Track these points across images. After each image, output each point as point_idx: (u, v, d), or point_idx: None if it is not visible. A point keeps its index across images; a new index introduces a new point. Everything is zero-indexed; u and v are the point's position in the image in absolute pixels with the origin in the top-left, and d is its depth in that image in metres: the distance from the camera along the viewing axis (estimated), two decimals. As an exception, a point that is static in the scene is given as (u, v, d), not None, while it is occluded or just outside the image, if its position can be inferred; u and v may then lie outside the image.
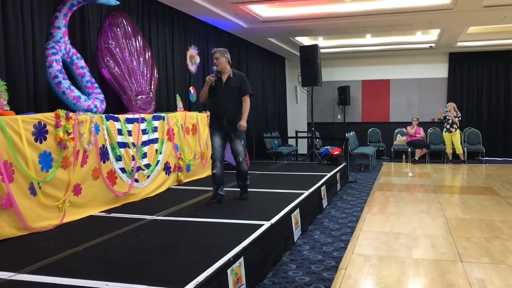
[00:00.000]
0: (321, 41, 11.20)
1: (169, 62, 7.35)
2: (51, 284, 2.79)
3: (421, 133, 11.83)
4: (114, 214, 4.70)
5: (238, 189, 5.46)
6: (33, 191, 3.97)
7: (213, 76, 5.16)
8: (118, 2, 5.40)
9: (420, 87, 13.13)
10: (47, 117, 4.15)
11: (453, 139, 11.30)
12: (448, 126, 11.29)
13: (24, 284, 2.82)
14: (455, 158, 11.41)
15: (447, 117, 11.26)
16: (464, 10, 7.84)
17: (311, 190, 5.84)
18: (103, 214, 4.70)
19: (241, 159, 5.28)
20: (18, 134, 3.82)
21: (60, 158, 4.25)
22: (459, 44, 11.46)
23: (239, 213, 4.60)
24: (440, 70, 13.00)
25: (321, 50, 10.79)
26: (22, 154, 3.85)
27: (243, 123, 5.16)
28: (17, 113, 4.03)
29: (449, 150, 11.45)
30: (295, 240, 4.72)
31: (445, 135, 11.43)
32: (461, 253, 4.27)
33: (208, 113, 7.39)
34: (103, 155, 4.87)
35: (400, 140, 12.31)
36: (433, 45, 11.60)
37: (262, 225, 4.05)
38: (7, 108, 3.96)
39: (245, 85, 5.23)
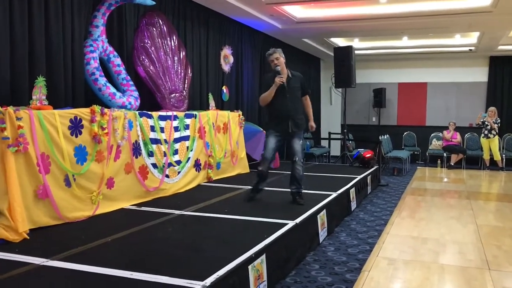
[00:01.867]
0: (356, 43, 11.11)
1: (203, 61, 7.49)
2: (80, 271, 2.92)
3: (458, 138, 11.58)
4: (144, 207, 4.84)
5: (291, 194, 5.20)
6: (68, 183, 4.14)
7: (281, 77, 5.00)
8: (154, 2, 5.56)
9: (459, 91, 12.82)
10: (83, 112, 4.32)
11: (491, 145, 10.99)
12: (486, 132, 10.99)
13: (55, 270, 2.97)
14: (493, 165, 11.09)
15: (486, 123, 10.96)
16: (505, 12, 7.62)
17: (339, 192, 5.83)
18: (134, 207, 4.85)
19: (297, 159, 5.08)
20: (55, 128, 4.00)
21: (95, 152, 4.41)
22: (500, 47, 11.13)
23: (265, 212, 4.65)
24: (479, 74, 12.65)
25: (357, 52, 10.72)
26: (58, 147, 4.03)
27: (313, 123, 5.36)
28: (55, 108, 4.21)
29: (486, 156, 11.14)
30: (320, 241, 4.73)
31: (483, 140, 11.13)
32: (490, 260, 4.19)
33: (240, 112, 7.51)
34: (136, 151, 5.02)
35: (435, 144, 12.07)
36: (472, 48, 11.30)
37: (287, 224, 4.09)
38: (46, 102, 4.15)
39: (305, 85, 5.28)
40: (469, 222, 5.71)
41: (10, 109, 3.64)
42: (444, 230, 5.29)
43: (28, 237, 3.61)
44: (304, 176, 5.20)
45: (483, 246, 4.65)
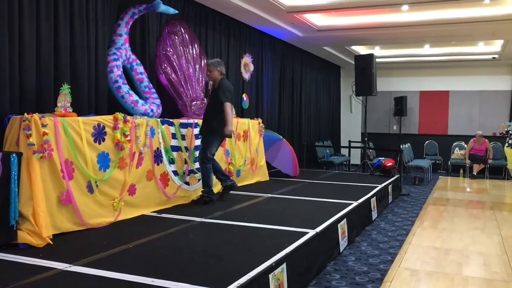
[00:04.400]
0: (377, 51, 11.05)
1: (223, 69, 7.53)
2: (102, 277, 2.95)
3: (488, 147, 11.29)
4: (164, 214, 4.86)
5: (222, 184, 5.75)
6: (90, 189, 4.20)
7: None
8: (177, 11, 5.62)
9: (482, 100, 12.63)
10: (106, 119, 4.38)
11: (516, 155, 10.73)
12: (510, 141, 10.73)
13: (77, 275, 3.01)
14: (518, 175, 10.86)
15: (510, 132, 10.72)
16: (530, 20, 7.51)
17: (360, 201, 5.78)
18: (155, 214, 4.88)
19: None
20: (78, 135, 4.07)
21: (117, 158, 4.47)
22: (525, 55, 10.95)
23: (285, 220, 4.63)
24: (503, 83, 12.44)
25: (378, 60, 10.65)
26: (82, 154, 4.09)
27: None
28: (79, 115, 4.28)
29: (510, 166, 10.88)
30: (340, 250, 4.69)
31: (507, 150, 10.85)
32: (516, 273, 4.09)
33: (260, 120, 7.53)
34: (157, 158, 5.06)
35: (458, 154, 11.87)
36: (496, 56, 11.14)
37: (307, 233, 4.06)
38: (70, 109, 4.21)
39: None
40: (493, 233, 5.59)
41: (36, 116, 3.72)
42: (468, 241, 5.19)
43: (52, 242, 3.66)
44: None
45: (508, 258, 4.55)
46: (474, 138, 11.45)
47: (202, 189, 5.50)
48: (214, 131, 5.39)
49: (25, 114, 3.72)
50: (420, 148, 12.71)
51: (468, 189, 9.67)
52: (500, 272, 4.14)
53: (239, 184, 6.70)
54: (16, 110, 4.14)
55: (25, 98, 4.27)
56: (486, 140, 11.38)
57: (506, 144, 10.85)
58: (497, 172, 11.48)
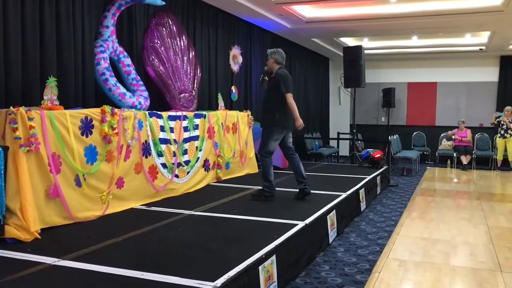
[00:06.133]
0: (366, 42, 11.07)
1: (212, 61, 7.50)
2: (91, 271, 2.94)
3: (468, 135, 11.37)
4: (154, 207, 4.85)
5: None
6: (78, 183, 4.16)
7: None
8: (164, 3, 5.57)
9: (469, 91, 12.73)
10: (93, 112, 4.34)
11: (508, 146, 10.73)
12: (502, 132, 10.80)
13: (66, 269, 2.99)
14: (503, 165, 10.96)
15: (502, 122, 10.79)
16: (517, 12, 7.55)
17: (349, 192, 5.81)
18: (144, 207, 4.86)
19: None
20: (66, 128, 4.02)
21: (105, 152, 4.43)
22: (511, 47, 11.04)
23: (274, 212, 4.64)
24: (490, 74, 12.55)
25: (366, 51, 10.67)
26: (69, 147, 4.05)
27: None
28: (66, 108, 4.23)
29: (500, 157, 10.92)
30: (330, 242, 4.72)
31: (499, 140, 10.91)
32: (502, 263, 4.15)
33: (249, 112, 7.51)
34: (145, 151, 5.03)
35: (445, 145, 11.97)
36: (483, 47, 11.21)
37: (297, 224, 4.08)
38: (57, 102, 4.17)
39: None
40: (480, 223, 5.66)
41: (22, 109, 3.67)
42: (455, 231, 5.25)
43: (40, 237, 3.63)
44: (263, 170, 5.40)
45: (494, 248, 4.61)
46: (457, 130, 11.54)
47: (264, 184, 5.30)
48: (276, 124, 5.19)
49: (11, 107, 3.66)
50: (408, 139, 12.80)
51: (455, 180, 9.77)
52: (487, 261, 4.20)
53: (228, 177, 6.74)
54: (2, 103, 4.08)
55: (11, 91, 4.21)
56: (469, 130, 11.48)
57: (498, 135, 10.90)
58: (484, 162, 11.59)
